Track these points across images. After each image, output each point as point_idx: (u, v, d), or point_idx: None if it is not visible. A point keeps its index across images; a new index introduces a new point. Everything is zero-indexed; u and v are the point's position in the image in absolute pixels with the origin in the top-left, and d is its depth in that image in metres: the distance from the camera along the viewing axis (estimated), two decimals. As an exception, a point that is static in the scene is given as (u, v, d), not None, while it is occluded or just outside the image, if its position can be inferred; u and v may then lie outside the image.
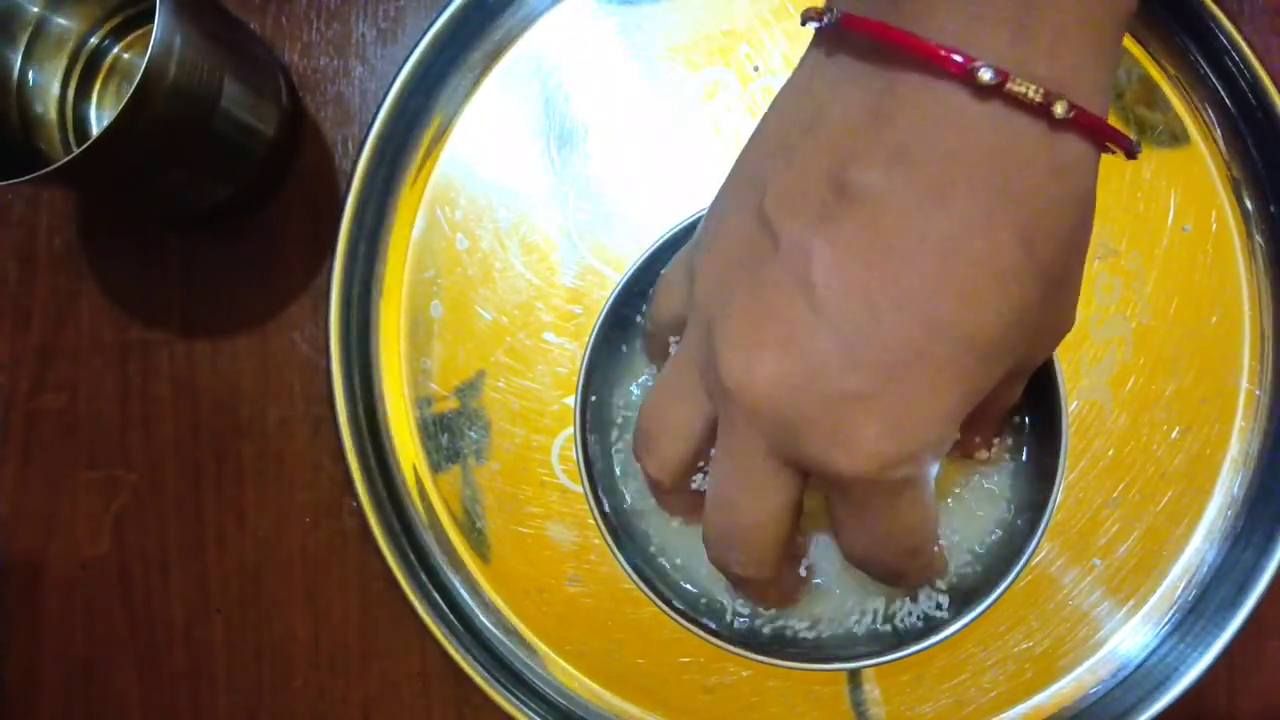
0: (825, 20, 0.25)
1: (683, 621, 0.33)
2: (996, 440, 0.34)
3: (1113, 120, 0.41)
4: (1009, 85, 0.22)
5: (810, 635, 0.33)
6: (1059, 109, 0.23)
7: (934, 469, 0.27)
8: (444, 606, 0.42)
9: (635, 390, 0.36)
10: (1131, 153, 0.25)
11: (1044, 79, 0.23)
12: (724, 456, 0.27)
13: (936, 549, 0.30)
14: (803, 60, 0.27)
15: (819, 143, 0.25)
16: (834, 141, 0.25)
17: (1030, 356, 0.28)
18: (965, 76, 0.22)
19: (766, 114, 0.28)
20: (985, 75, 0.22)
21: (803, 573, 0.32)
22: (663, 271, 0.32)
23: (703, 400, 0.28)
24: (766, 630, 0.34)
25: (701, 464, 0.30)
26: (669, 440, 0.29)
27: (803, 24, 0.26)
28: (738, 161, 0.28)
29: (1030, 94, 0.22)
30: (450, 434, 0.43)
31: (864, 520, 0.27)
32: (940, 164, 0.23)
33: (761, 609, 0.33)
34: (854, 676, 0.41)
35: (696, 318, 0.28)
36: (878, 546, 0.28)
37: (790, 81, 0.27)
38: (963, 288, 0.24)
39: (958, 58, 0.22)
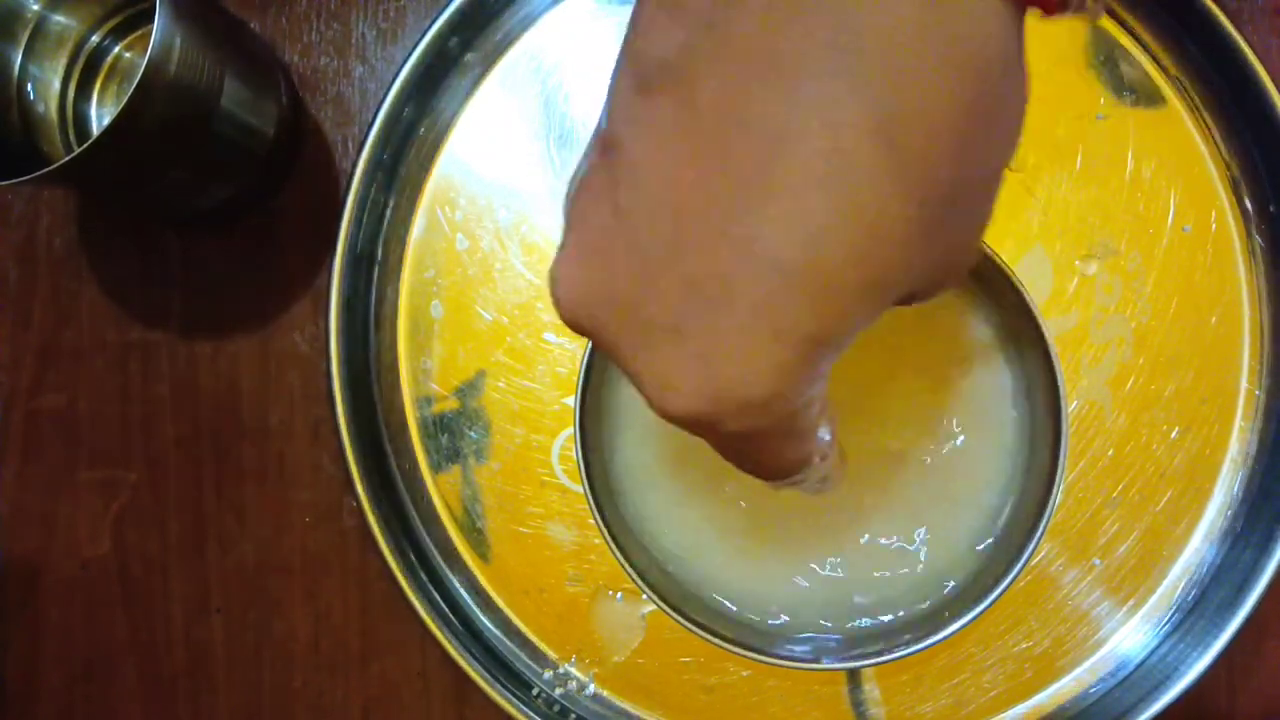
0: None
1: (683, 621, 0.33)
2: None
3: (1112, 118, 0.42)
4: None
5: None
6: None
7: (807, 403, 0.21)
8: (444, 606, 0.42)
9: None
10: (1051, 6, 0.18)
11: None
12: None
13: (821, 459, 0.24)
14: None
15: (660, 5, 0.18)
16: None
17: (912, 294, 0.21)
18: None
19: None
20: None
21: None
22: None
23: None
24: None
25: None
26: None
27: None
28: None
29: None
30: (450, 434, 0.43)
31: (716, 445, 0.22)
32: (774, 15, 0.17)
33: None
34: (854, 676, 0.41)
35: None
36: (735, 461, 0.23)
37: None
38: (790, 201, 0.17)
39: None
